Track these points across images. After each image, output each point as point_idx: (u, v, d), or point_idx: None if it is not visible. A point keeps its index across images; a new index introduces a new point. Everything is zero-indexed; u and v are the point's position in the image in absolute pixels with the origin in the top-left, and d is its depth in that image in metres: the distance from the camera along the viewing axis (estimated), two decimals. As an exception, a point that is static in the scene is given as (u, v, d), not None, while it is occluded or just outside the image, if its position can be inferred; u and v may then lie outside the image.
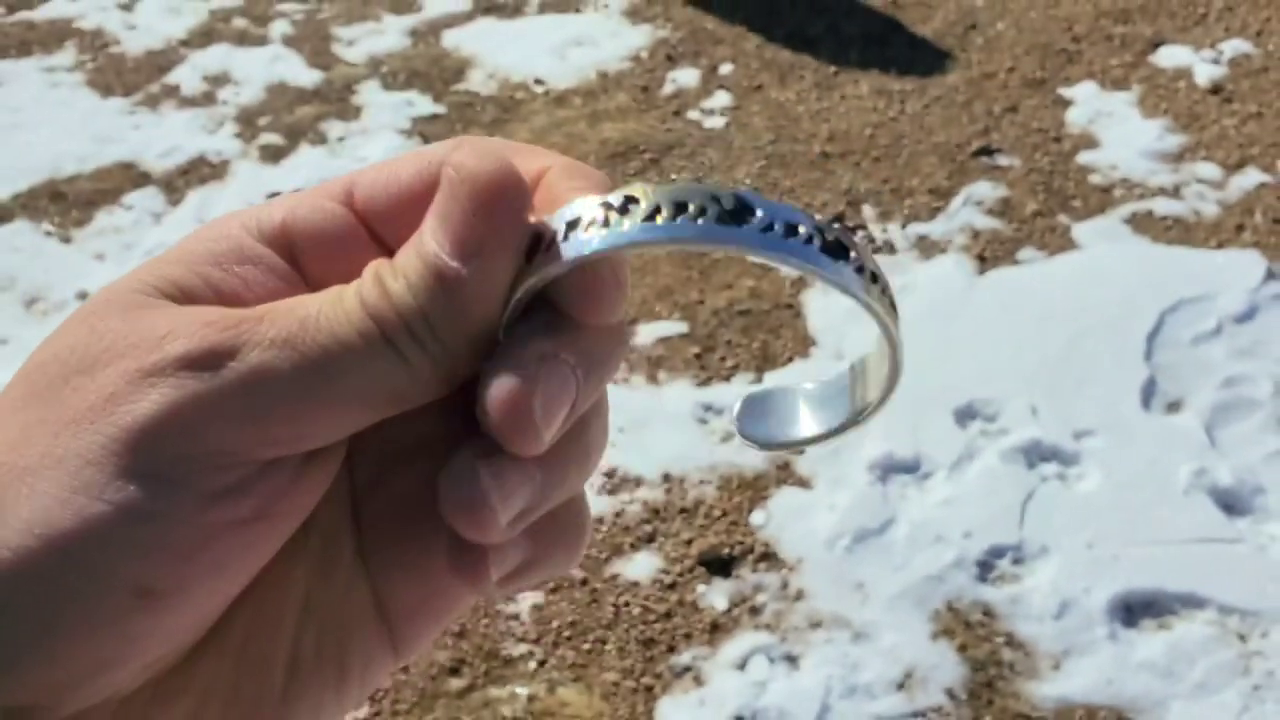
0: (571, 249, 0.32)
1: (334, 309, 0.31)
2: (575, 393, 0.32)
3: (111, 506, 0.29)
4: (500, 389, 0.31)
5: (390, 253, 0.34)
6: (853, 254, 0.33)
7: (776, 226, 0.32)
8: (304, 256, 0.35)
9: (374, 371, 0.31)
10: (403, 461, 0.36)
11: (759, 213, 0.32)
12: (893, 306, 0.34)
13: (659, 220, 0.32)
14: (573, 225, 0.32)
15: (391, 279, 0.32)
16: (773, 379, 2.39)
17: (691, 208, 0.32)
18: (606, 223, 0.32)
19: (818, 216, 0.32)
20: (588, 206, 0.32)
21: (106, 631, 0.29)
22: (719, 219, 0.32)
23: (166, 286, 0.33)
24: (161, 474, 0.29)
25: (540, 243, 0.32)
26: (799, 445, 0.40)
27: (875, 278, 0.33)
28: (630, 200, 0.32)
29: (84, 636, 0.29)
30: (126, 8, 3.93)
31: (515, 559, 0.33)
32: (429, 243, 0.32)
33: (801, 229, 0.32)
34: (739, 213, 0.32)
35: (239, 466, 0.30)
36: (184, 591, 0.30)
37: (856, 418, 0.38)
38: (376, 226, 0.35)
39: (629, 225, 0.32)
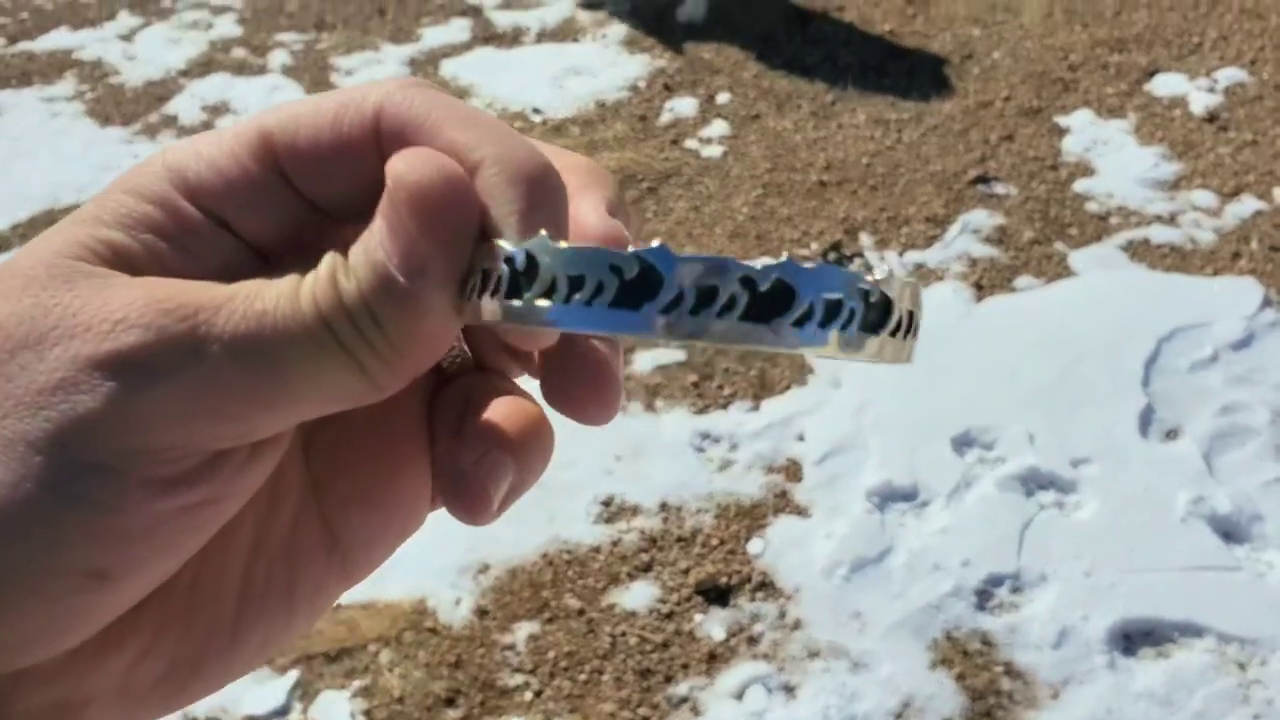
0: (490, 308, 0.30)
1: (290, 306, 0.31)
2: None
3: (57, 496, 0.29)
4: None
5: (312, 207, 0.34)
6: (796, 303, 0.29)
7: (686, 297, 0.28)
8: (225, 211, 0.34)
9: (327, 372, 0.31)
10: None
11: (664, 283, 0.28)
12: (875, 330, 0.30)
13: (551, 301, 0.29)
14: (503, 272, 0.30)
15: (344, 279, 0.31)
16: (770, 407, 2.38)
17: (588, 284, 0.28)
18: (512, 288, 0.29)
19: (750, 265, 0.28)
20: (501, 256, 0.30)
21: (56, 607, 0.30)
22: (617, 299, 0.28)
23: (107, 254, 0.32)
24: (109, 465, 0.29)
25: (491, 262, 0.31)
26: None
27: (836, 309, 0.29)
28: (531, 264, 0.29)
29: (32, 611, 0.29)
30: (126, 38, 3.97)
31: (505, 484, 0.35)
32: (377, 250, 0.31)
33: (721, 292, 0.28)
34: (646, 285, 0.28)
35: (188, 458, 0.30)
36: (134, 572, 0.30)
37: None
38: (295, 174, 0.34)
39: (520, 304, 0.29)
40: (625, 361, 2.50)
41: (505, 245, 0.30)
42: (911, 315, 0.31)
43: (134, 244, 0.33)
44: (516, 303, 0.29)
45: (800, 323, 0.28)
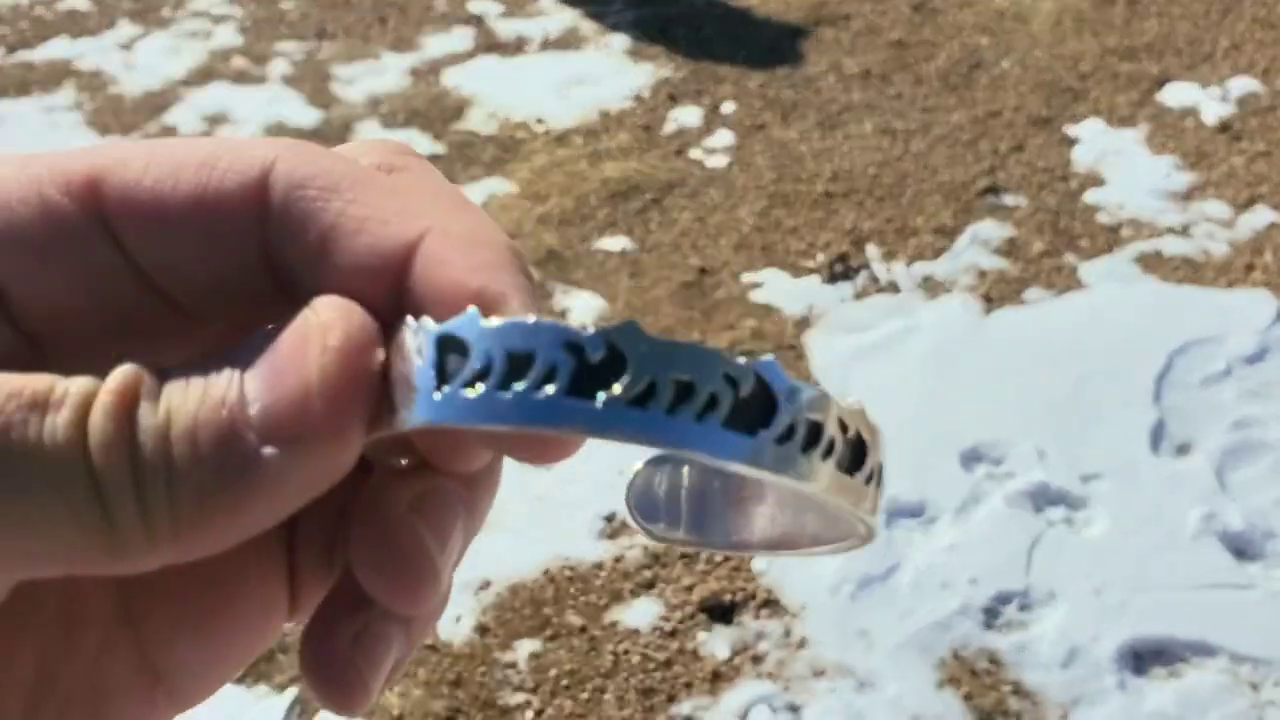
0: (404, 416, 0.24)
1: (39, 410, 0.22)
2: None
3: None
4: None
5: (126, 258, 0.26)
6: (778, 414, 0.24)
7: (660, 392, 0.23)
8: (11, 280, 0.25)
9: (59, 523, 0.22)
10: None
11: (631, 371, 0.23)
12: (851, 470, 0.26)
13: (475, 391, 0.23)
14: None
15: (149, 406, 0.23)
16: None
17: (536, 367, 0.23)
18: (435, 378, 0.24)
19: (731, 359, 0.24)
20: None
21: None
22: (571, 387, 0.23)
23: None
24: None
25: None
26: (736, 551, 0.32)
27: (817, 435, 0.25)
28: (452, 345, 0.24)
29: None
30: (126, 48, 3.99)
31: (389, 662, 0.28)
32: (231, 385, 0.24)
33: (700, 390, 0.23)
34: (607, 370, 0.23)
35: None
36: None
37: (805, 549, 0.30)
38: (131, 244, 0.26)
39: (438, 396, 0.23)
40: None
41: (429, 323, 0.24)
42: (879, 467, 0.26)
43: None
44: (436, 396, 0.23)
45: (780, 440, 0.24)
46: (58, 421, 0.22)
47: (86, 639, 0.28)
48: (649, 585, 2.09)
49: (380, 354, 0.25)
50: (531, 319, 0.24)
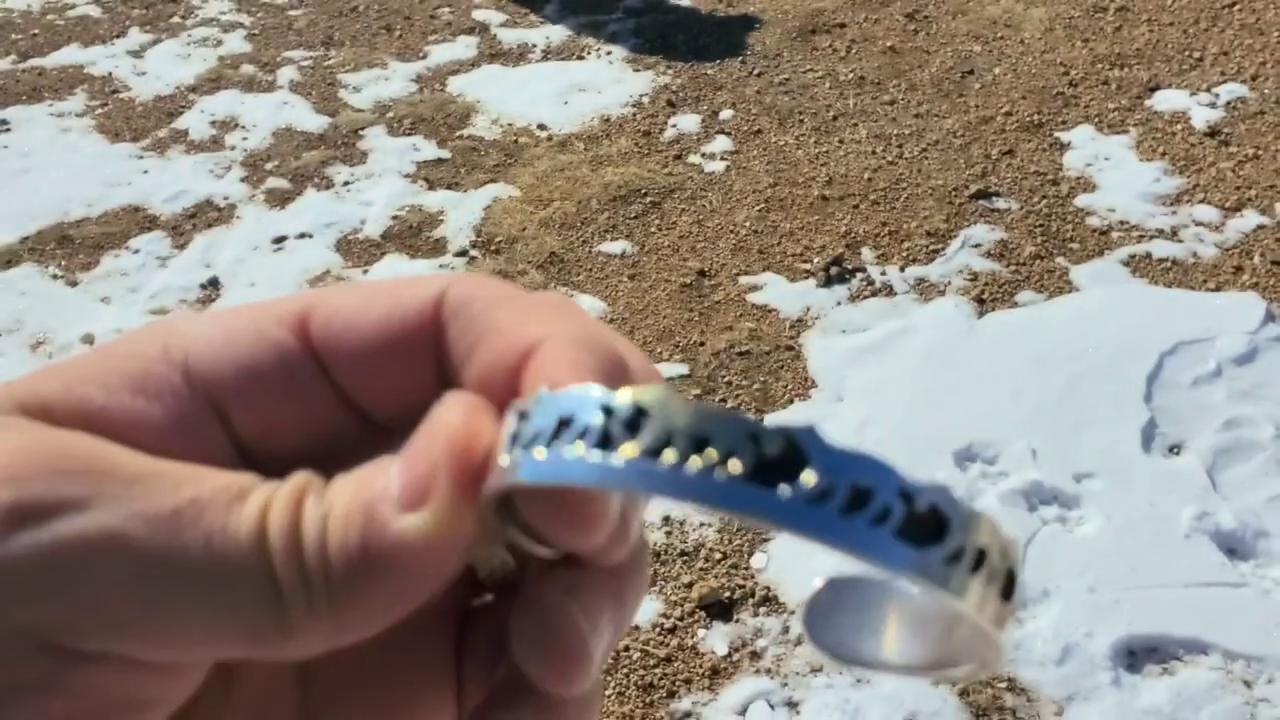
0: (534, 468, 0.25)
1: (226, 506, 0.26)
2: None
3: None
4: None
5: (346, 402, 0.29)
6: (949, 535, 0.24)
7: (837, 494, 0.23)
8: (231, 397, 0.29)
9: (238, 602, 0.25)
10: None
11: (813, 470, 0.23)
12: (1005, 598, 0.26)
13: (662, 461, 0.24)
14: (561, 428, 0.25)
15: (315, 503, 0.26)
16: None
17: (715, 450, 0.24)
18: (601, 440, 0.24)
19: (907, 476, 0.24)
20: (584, 404, 0.25)
21: None
22: (753, 474, 0.23)
23: (33, 404, 0.27)
24: None
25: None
26: (877, 669, 0.32)
27: (981, 560, 0.25)
28: (640, 414, 0.24)
29: None
30: (136, 54, 3.98)
31: None
32: (376, 477, 0.26)
33: (876, 499, 0.23)
34: (784, 465, 0.23)
35: (45, 654, 0.25)
36: None
37: (939, 671, 0.31)
38: (334, 364, 0.29)
39: (616, 459, 0.24)
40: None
41: (594, 390, 0.25)
42: (1013, 575, 0.27)
43: (69, 398, 0.28)
44: (597, 456, 0.24)
45: (950, 561, 0.24)
46: (245, 513, 0.25)
47: None
48: (649, 582, 2.09)
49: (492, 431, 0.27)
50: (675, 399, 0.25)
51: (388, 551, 0.25)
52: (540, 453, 0.25)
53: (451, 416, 0.26)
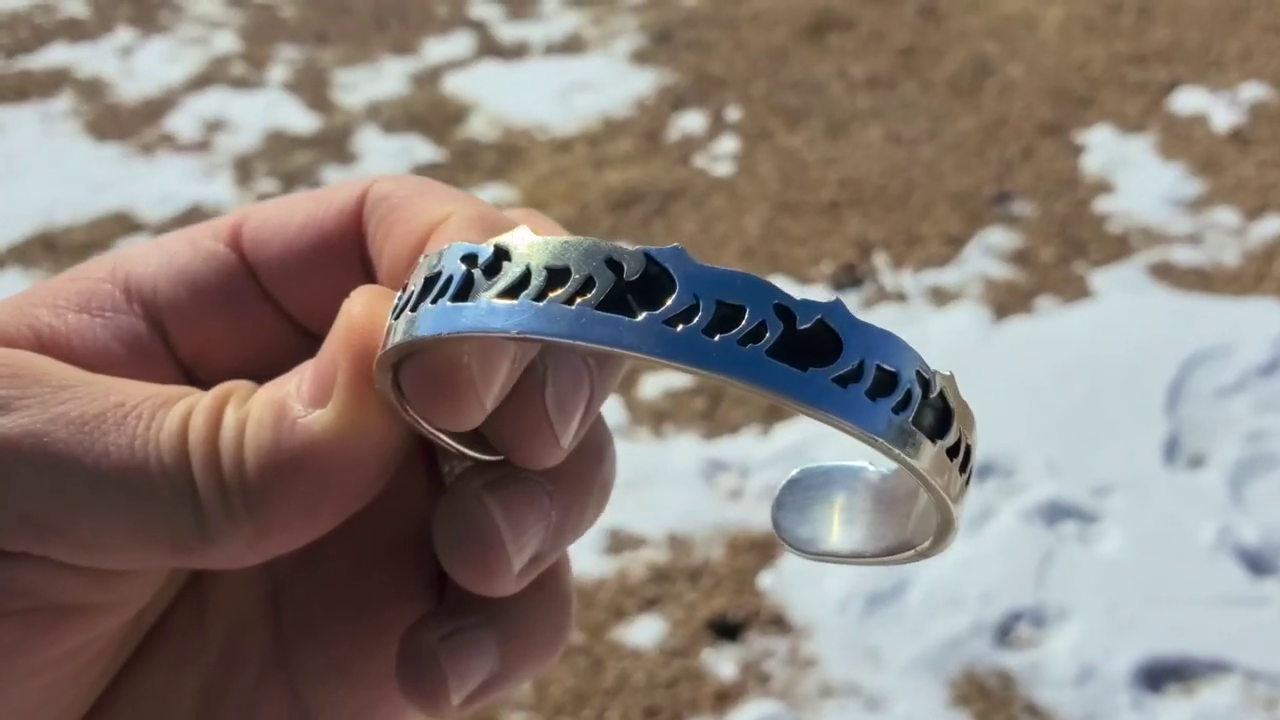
0: (410, 324, 0.24)
1: (151, 413, 0.26)
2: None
3: None
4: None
5: (282, 313, 0.30)
6: (843, 355, 0.23)
7: (701, 312, 0.22)
8: (172, 313, 0.29)
9: (156, 507, 0.25)
10: (339, 534, 0.29)
11: (679, 291, 0.22)
12: (934, 436, 0.24)
13: (516, 300, 0.23)
14: (429, 285, 0.25)
15: (234, 409, 0.26)
16: (781, 434, 2.36)
17: (573, 281, 0.23)
18: (462, 288, 0.24)
19: (790, 294, 0.23)
20: (449, 258, 0.24)
21: None
22: (608, 300, 0.22)
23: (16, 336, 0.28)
24: None
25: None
26: (839, 560, 0.32)
27: (892, 386, 0.23)
28: (502, 257, 0.24)
29: None
30: (124, 54, 4.02)
31: (480, 674, 0.29)
32: (288, 380, 0.27)
33: (747, 316, 0.22)
34: (648, 289, 0.23)
35: None
36: None
37: (902, 553, 0.30)
38: (264, 272, 0.30)
39: (467, 305, 0.23)
40: (627, 385, 2.50)
41: (461, 245, 0.25)
42: (968, 447, 0.25)
43: (18, 319, 0.28)
44: (461, 304, 0.23)
45: (844, 382, 0.23)
46: (169, 419, 0.26)
47: (244, 678, 0.30)
48: (653, 602, 2.08)
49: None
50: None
51: (298, 450, 0.26)
52: (405, 316, 0.24)
53: (351, 307, 0.27)
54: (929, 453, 0.24)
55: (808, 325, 0.23)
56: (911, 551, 0.30)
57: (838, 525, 0.31)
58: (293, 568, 0.31)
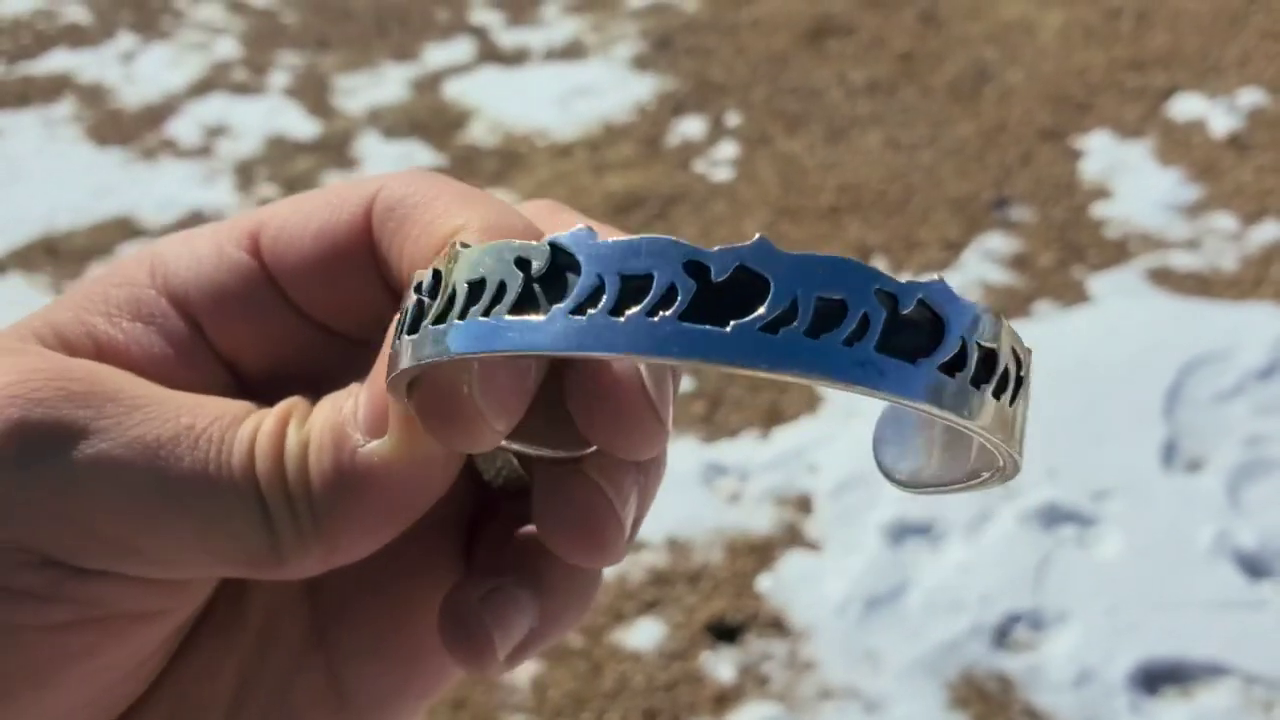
0: (460, 338, 0.24)
1: (220, 435, 0.27)
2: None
3: None
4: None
5: (301, 316, 0.30)
6: (946, 338, 0.22)
7: (801, 312, 0.21)
8: (207, 319, 0.30)
9: (232, 527, 0.27)
10: None
11: (770, 290, 0.21)
12: (1012, 400, 0.23)
13: (595, 313, 0.22)
14: (475, 291, 0.24)
15: (295, 430, 0.27)
16: (781, 437, 2.37)
17: (653, 288, 0.21)
18: (521, 298, 0.23)
19: (886, 274, 0.22)
20: (499, 259, 0.23)
21: None
22: (695, 310, 0.21)
23: (47, 334, 0.30)
24: None
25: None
26: (936, 491, 0.31)
27: (990, 363, 0.23)
28: (561, 260, 0.23)
29: None
30: (126, 60, 4.02)
31: (521, 628, 0.30)
32: (346, 398, 0.27)
33: (850, 310, 0.21)
34: (736, 291, 0.21)
35: (48, 568, 0.26)
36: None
37: (971, 483, 0.30)
38: (284, 281, 0.31)
39: (541, 320, 0.22)
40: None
41: (510, 244, 0.24)
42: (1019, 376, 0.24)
43: (77, 327, 0.30)
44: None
45: (950, 370, 0.22)
46: (238, 440, 0.27)
47: (280, 657, 0.31)
48: (652, 605, 2.09)
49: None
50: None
51: (360, 475, 0.27)
52: (460, 321, 0.23)
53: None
54: (990, 411, 0.24)
55: (910, 310, 0.22)
56: (982, 480, 0.29)
57: (937, 454, 0.31)
58: None
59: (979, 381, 0.23)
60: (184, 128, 3.59)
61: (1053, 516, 2.17)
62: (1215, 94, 3.37)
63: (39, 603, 0.26)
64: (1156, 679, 1.92)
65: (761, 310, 0.21)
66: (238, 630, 0.31)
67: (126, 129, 3.59)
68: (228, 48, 4.08)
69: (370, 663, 0.31)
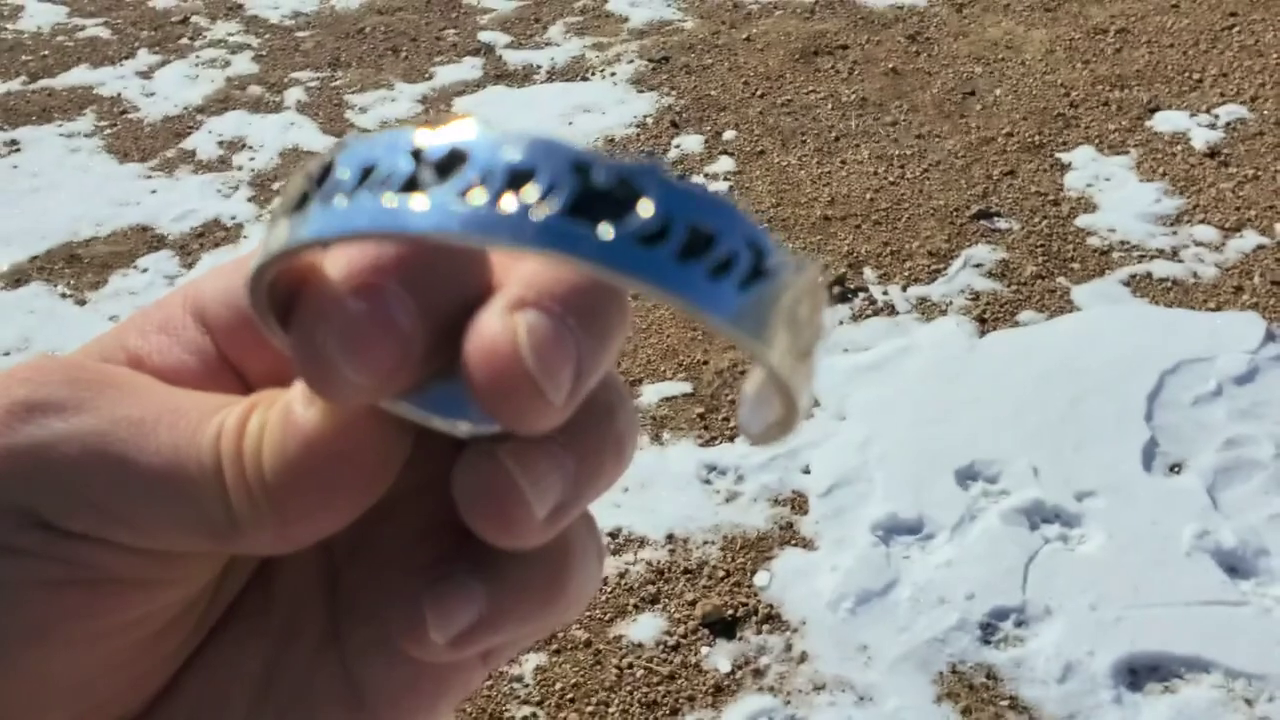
0: (319, 221, 0.22)
1: (196, 418, 0.28)
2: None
3: None
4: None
5: (226, 360, 0.31)
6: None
7: (672, 236, 0.20)
8: (218, 333, 0.31)
9: (193, 497, 0.28)
10: (389, 517, 0.30)
11: (647, 207, 0.20)
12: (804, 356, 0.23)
13: (466, 201, 0.21)
14: (363, 179, 0.22)
15: (258, 417, 0.28)
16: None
17: (535, 186, 0.20)
18: (406, 185, 0.21)
19: (757, 226, 0.22)
20: (391, 149, 0.22)
21: None
22: (573, 210, 0.20)
23: (93, 350, 0.31)
24: None
25: None
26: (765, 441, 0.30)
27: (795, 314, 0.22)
28: (457, 156, 0.21)
29: None
30: (145, 75, 4.00)
31: (465, 618, 0.28)
32: (299, 384, 0.28)
33: (719, 245, 0.20)
34: (614, 202, 0.20)
35: (39, 529, 0.27)
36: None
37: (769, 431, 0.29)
38: (215, 339, 0.31)
39: (412, 202, 0.21)
40: (631, 395, 2.50)
41: (407, 133, 0.22)
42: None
43: (114, 344, 0.31)
44: (390, 201, 0.21)
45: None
46: (211, 424, 0.28)
47: (300, 651, 0.31)
48: (652, 600, 2.09)
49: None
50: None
51: (298, 444, 0.27)
52: (337, 202, 0.21)
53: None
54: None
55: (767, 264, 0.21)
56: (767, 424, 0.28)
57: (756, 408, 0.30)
58: (347, 549, 0.32)
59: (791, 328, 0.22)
60: (202, 141, 3.59)
61: (1037, 516, 2.18)
62: (1195, 109, 3.37)
63: (35, 559, 0.27)
64: (1140, 674, 1.93)
65: (640, 223, 0.20)
66: (262, 625, 0.32)
67: (146, 143, 3.59)
68: (244, 65, 4.09)
69: (380, 660, 0.31)
